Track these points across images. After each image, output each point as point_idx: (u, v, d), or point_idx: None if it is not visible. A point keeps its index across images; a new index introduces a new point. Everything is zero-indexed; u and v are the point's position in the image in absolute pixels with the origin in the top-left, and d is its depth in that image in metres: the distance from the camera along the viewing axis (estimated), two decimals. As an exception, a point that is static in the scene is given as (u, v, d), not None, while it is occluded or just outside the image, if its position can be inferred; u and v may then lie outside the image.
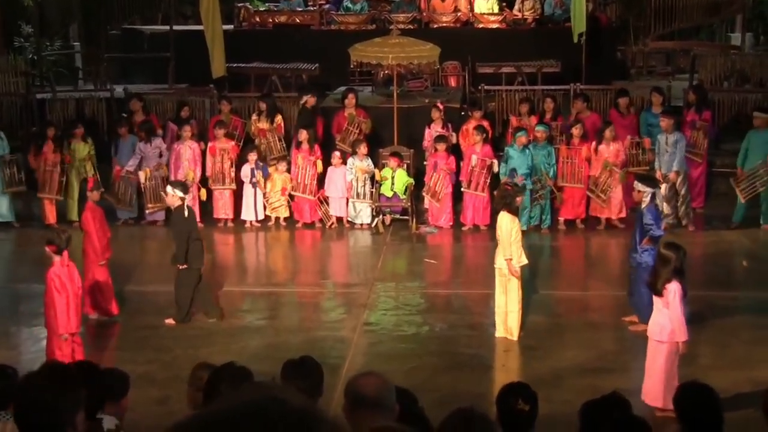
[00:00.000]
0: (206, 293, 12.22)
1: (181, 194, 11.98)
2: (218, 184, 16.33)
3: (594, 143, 15.82)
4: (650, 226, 11.27)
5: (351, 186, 16.23)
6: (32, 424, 3.88)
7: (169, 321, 11.97)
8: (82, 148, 16.64)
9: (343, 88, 18.65)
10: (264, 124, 17.23)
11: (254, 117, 17.51)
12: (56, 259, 10.04)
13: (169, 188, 12.32)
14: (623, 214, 15.90)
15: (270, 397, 1.82)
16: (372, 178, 16.28)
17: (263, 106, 17.41)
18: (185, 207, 12.00)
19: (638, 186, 11.52)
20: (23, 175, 16.75)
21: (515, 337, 11.36)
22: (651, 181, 11.79)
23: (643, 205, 11.35)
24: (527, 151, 15.76)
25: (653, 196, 11.40)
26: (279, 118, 17.42)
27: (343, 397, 4.57)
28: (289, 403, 1.81)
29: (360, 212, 16.31)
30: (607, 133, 15.73)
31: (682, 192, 15.71)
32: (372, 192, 16.20)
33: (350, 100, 17.25)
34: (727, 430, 5.70)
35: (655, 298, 9.42)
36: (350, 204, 16.35)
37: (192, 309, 12.07)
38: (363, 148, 16.29)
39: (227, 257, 15.31)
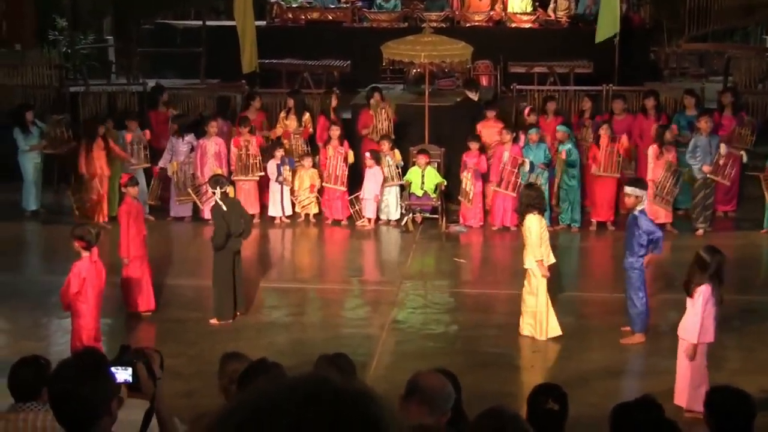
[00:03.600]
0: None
1: (211, 189, 12.07)
2: (243, 175, 16.30)
3: (655, 146, 15.60)
4: (652, 232, 11.16)
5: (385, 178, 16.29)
6: (69, 414, 3.89)
7: (213, 321, 11.98)
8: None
9: (381, 85, 18.65)
10: (292, 121, 17.19)
11: (282, 114, 17.49)
12: (84, 254, 10.10)
13: (210, 187, 12.62)
14: (671, 219, 15.76)
15: (321, 378, 1.81)
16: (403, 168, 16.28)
17: (291, 102, 17.40)
18: (220, 203, 12.02)
19: (628, 190, 11.34)
20: (71, 134, 17.11)
21: (545, 337, 11.33)
22: (642, 184, 11.60)
23: (638, 209, 11.17)
24: (542, 145, 15.71)
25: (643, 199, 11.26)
26: (307, 116, 17.36)
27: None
28: (341, 382, 1.79)
29: (386, 208, 16.30)
30: (668, 135, 15.55)
31: (711, 198, 15.57)
32: (400, 179, 16.22)
33: (376, 99, 17.16)
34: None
35: (688, 300, 9.40)
36: (382, 199, 16.35)
37: (236, 306, 12.14)
38: (385, 145, 16.28)
39: (255, 253, 15.31)
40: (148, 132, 16.77)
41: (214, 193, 12.16)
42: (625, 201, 11.47)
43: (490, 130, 16.59)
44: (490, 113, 16.83)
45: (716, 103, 18.08)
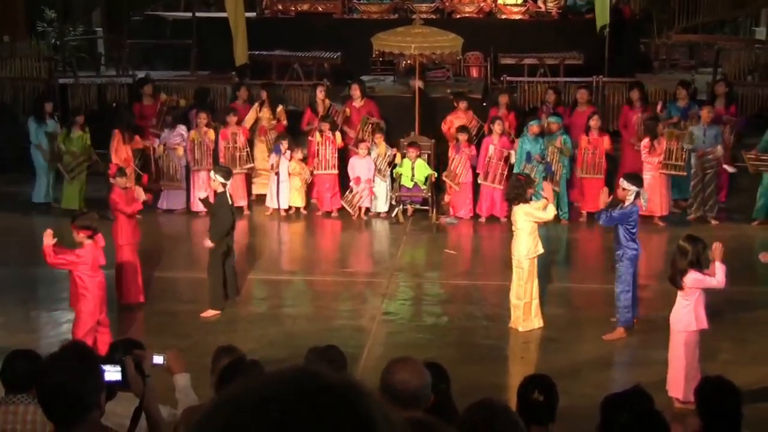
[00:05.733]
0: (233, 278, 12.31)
1: (222, 180, 11.92)
2: (233, 168, 16.27)
3: (647, 139, 15.64)
4: (622, 214, 11.08)
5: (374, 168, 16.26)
6: (57, 408, 3.88)
7: (205, 314, 11.93)
8: (81, 137, 16.34)
9: (368, 77, 18.62)
10: (265, 113, 17.12)
11: (255, 106, 17.39)
12: (88, 243, 10.04)
13: (211, 174, 12.34)
14: (666, 212, 15.81)
15: (310, 371, 1.80)
16: (391, 161, 16.27)
17: (263, 94, 17.31)
18: (227, 193, 12.00)
19: (623, 184, 11.25)
20: None
21: (528, 328, 11.37)
22: (637, 179, 11.52)
23: (627, 203, 11.09)
24: (540, 140, 15.71)
25: (636, 195, 11.18)
26: (280, 108, 17.29)
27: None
28: (331, 375, 1.79)
29: (375, 200, 16.32)
30: (661, 128, 15.64)
31: (711, 186, 15.65)
32: (391, 174, 16.24)
33: (354, 90, 17.17)
34: (746, 425, 5.68)
35: (679, 291, 9.43)
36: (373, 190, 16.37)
37: (227, 293, 12.16)
38: (378, 138, 16.30)
39: (246, 245, 15.30)
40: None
41: (224, 184, 11.93)
42: (618, 193, 11.49)
43: (460, 120, 16.60)
44: (461, 104, 16.82)
45: (706, 94, 18.11)
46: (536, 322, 11.45)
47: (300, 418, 1.70)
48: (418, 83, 16.99)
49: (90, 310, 10.19)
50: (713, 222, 15.61)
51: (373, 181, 16.25)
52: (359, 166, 16.24)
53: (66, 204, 16.17)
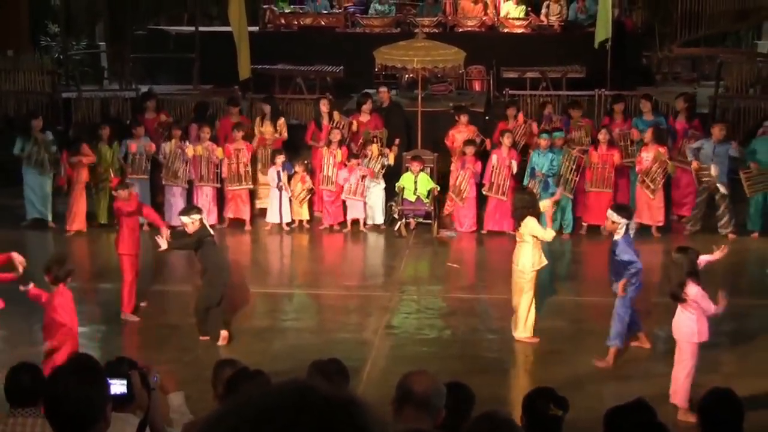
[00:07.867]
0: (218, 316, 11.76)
1: (193, 219, 11.45)
2: (235, 184, 16.31)
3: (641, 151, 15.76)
4: (626, 264, 10.73)
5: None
6: (64, 419, 3.89)
7: (221, 342, 11.54)
8: (107, 151, 16.30)
9: (370, 91, 18.65)
10: (267, 128, 17.14)
11: (257, 120, 17.41)
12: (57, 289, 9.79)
13: (183, 219, 11.60)
14: (661, 222, 15.82)
15: (309, 385, 1.82)
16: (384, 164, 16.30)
17: (267, 108, 17.32)
18: (205, 225, 11.68)
19: (613, 216, 10.93)
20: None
21: (517, 335, 11.41)
22: (626, 211, 11.25)
23: (617, 236, 10.85)
24: (549, 154, 15.71)
25: (627, 228, 10.91)
26: (282, 121, 17.32)
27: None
28: (329, 390, 1.80)
29: (370, 211, 16.32)
30: (648, 136, 15.67)
31: (725, 201, 15.65)
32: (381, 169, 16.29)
33: (367, 105, 17.22)
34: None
35: (680, 305, 9.44)
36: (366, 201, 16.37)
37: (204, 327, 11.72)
38: (372, 148, 16.32)
39: (250, 259, 15.32)
40: (153, 145, 16.33)
41: (197, 220, 11.47)
42: (607, 226, 11.35)
43: (462, 134, 16.63)
44: (463, 118, 16.83)
45: (708, 107, 18.13)
46: (526, 332, 11.46)
47: (301, 428, 1.71)
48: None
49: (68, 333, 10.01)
50: (730, 236, 15.51)
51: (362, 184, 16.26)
52: (351, 179, 16.19)
53: (101, 219, 16.26)
